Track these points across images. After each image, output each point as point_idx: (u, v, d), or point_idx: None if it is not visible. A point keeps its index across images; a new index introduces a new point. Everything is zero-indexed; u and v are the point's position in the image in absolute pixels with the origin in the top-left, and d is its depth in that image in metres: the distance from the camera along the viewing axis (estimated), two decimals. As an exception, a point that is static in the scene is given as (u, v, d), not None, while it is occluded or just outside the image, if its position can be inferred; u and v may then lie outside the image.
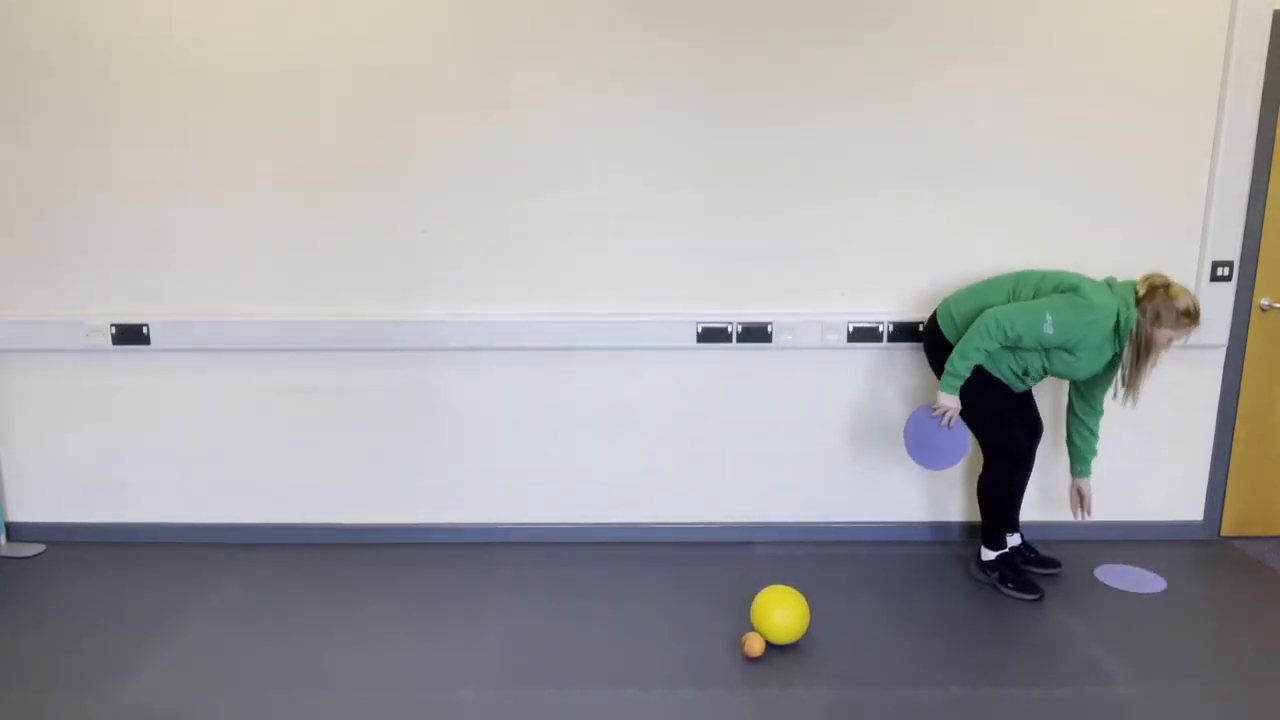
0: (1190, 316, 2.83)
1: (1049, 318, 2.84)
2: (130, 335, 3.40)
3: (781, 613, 2.76)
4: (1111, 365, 2.98)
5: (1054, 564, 3.34)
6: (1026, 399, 3.28)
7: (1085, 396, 3.14)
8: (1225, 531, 3.67)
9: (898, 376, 3.48)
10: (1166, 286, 2.85)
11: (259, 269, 3.39)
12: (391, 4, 3.19)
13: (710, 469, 3.56)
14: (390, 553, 3.50)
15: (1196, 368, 3.50)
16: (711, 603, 3.09)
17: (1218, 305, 3.42)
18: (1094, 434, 3.18)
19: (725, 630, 2.91)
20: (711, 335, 3.40)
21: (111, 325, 3.39)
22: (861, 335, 3.41)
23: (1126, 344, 2.88)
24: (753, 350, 3.44)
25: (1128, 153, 3.32)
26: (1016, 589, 3.15)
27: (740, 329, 3.40)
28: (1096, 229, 3.37)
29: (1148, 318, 2.83)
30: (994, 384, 3.06)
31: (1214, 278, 3.40)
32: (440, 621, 2.98)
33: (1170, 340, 2.86)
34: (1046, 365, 2.99)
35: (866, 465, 3.56)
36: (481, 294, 3.40)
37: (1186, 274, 3.43)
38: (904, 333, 3.40)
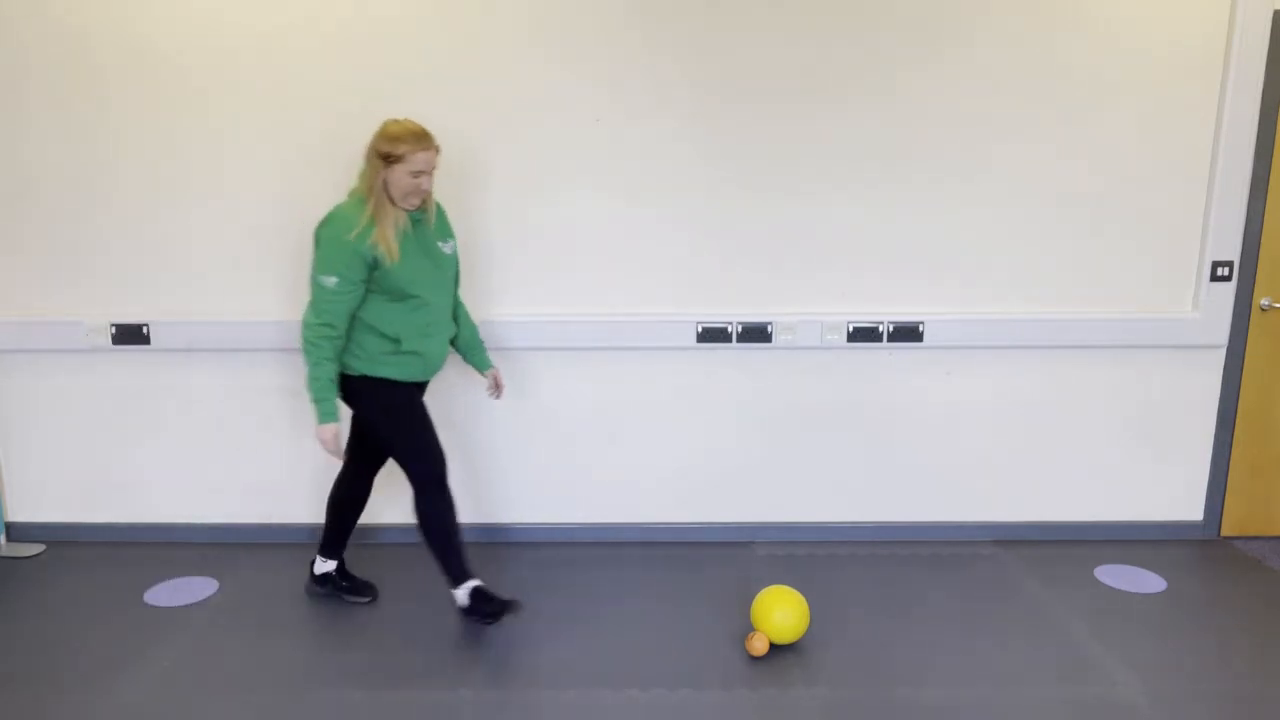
0: (409, 138, 2.60)
1: (321, 277, 2.62)
2: (130, 335, 3.40)
3: (782, 613, 2.76)
4: (426, 240, 2.76)
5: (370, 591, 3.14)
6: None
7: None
8: (1225, 531, 3.67)
9: (898, 376, 3.48)
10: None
11: (259, 269, 3.39)
12: (391, 7, 3.19)
13: (710, 469, 3.56)
14: (390, 552, 3.50)
15: (1196, 368, 3.50)
16: (712, 603, 3.09)
17: (1218, 305, 3.42)
18: (469, 329, 3.05)
19: (725, 630, 2.91)
20: (711, 335, 3.40)
21: (111, 325, 3.39)
22: (861, 335, 3.41)
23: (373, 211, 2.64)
24: (753, 350, 3.44)
25: (1127, 152, 3.32)
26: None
27: (740, 329, 3.40)
28: (1096, 229, 3.38)
29: (371, 168, 2.64)
30: (384, 389, 2.78)
31: (1214, 278, 3.40)
32: (439, 621, 2.98)
33: (426, 165, 2.63)
34: (399, 305, 2.71)
35: (867, 465, 3.56)
36: (481, 294, 3.40)
37: (1186, 274, 3.43)
38: (904, 333, 3.40)
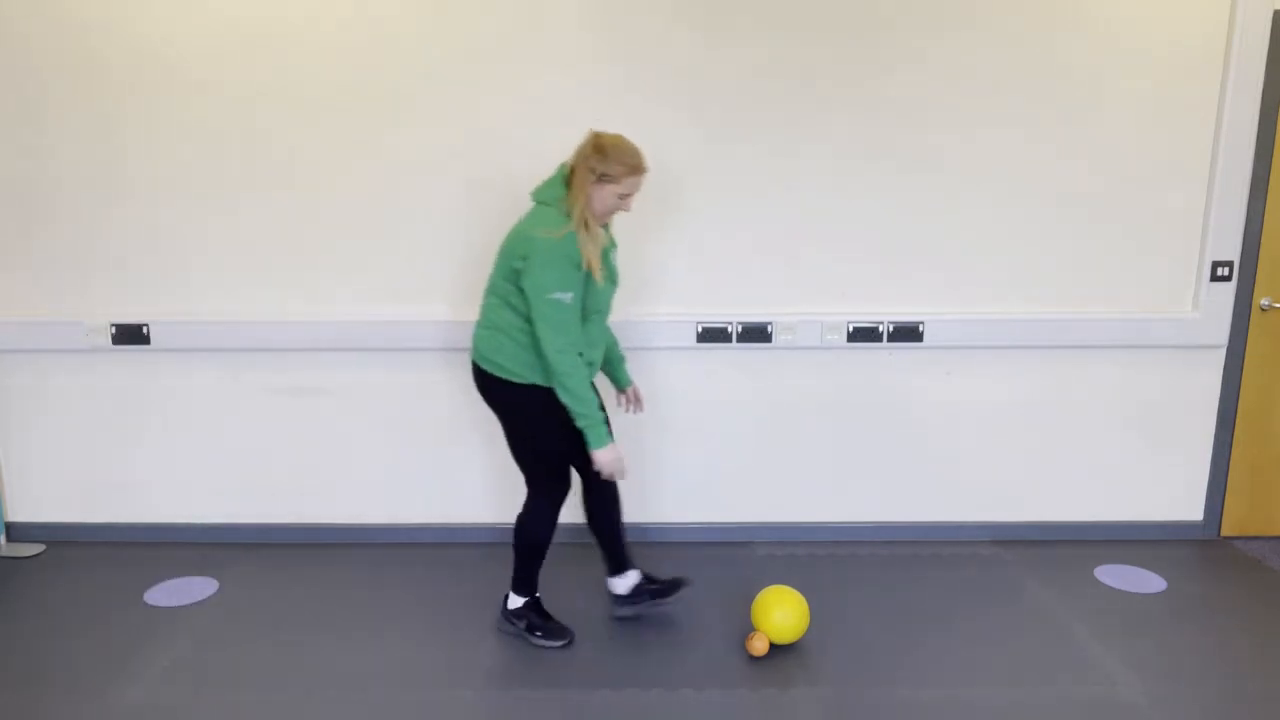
0: (636, 165, 2.56)
1: (557, 295, 2.52)
2: (130, 335, 3.40)
3: (782, 613, 2.76)
4: (608, 256, 2.69)
5: (678, 585, 2.99)
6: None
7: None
8: (1225, 531, 3.67)
9: (898, 376, 3.48)
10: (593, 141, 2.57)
11: (259, 269, 3.39)
12: (394, 7, 3.19)
13: (710, 469, 3.55)
14: (390, 552, 3.50)
15: (1196, 368, 3.50)
16: (711, 603, 3.09)
17: (1218, 305, 3.42)
18: (614, 345, 2.93)
19: (725, 630, 2.91)
20: (711, 335, 3.39)
21: (111, 325, 3.39)
22: (861, 335, 3.41)
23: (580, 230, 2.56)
24: (753, 350, 3.44)
25: (1127, 152, 3.32)
26: (545, 637, 2.84)
27: (740, 329, 3.40)
28: (1096, 229, 3.38)
29: (579, 183, 2.55)
30: (539, 401, 2.65)
31: (1214, 278, 3.40)
32: (440, 621, 2.98)
33: (625, 196, 2.59)
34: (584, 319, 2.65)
35: (867, 465, 3.56)
36: (481, 294, 3.40)
37: (1186, 274, 3.43)
38: (904, 333, 3.40)
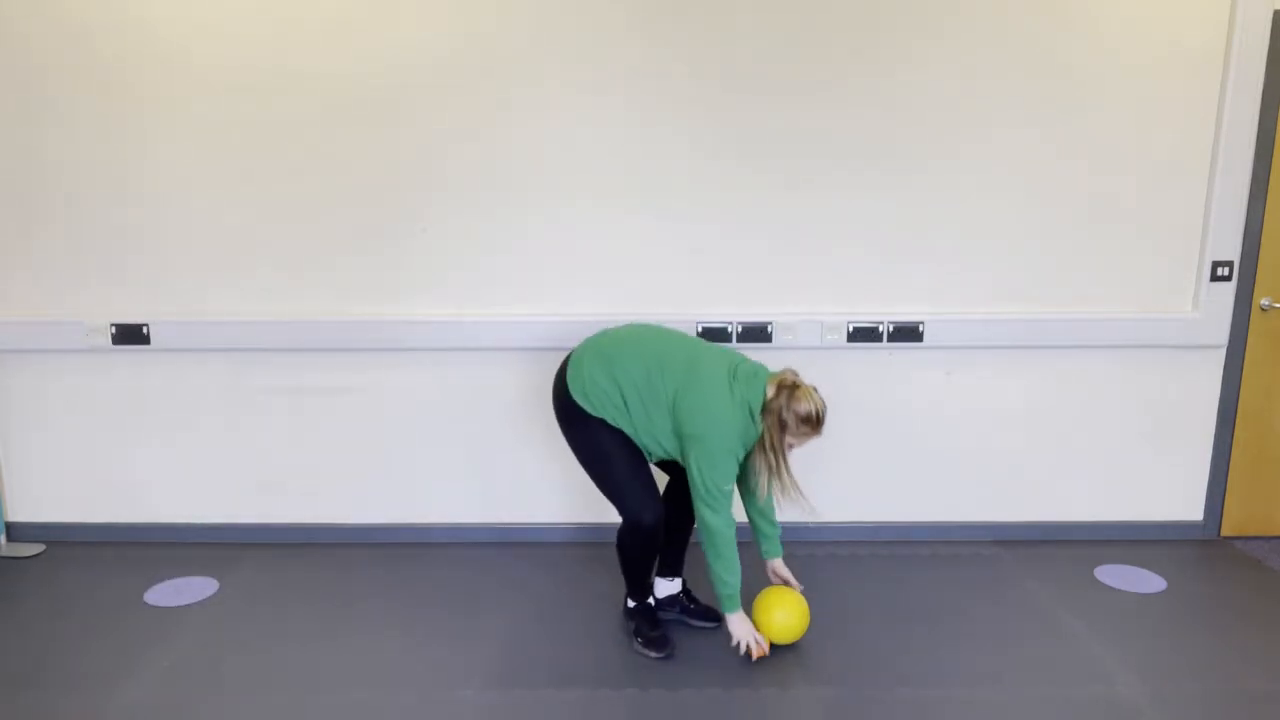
0: (811, 423, 2.57)
1: (721, 463, 2.56)
2: (130, 335, 3.40)
3: (782, 613, 2.76)
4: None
5: (712, 617, 2.96)
6: (669, 467, 2.89)
7: (746, 484, 2.81)
8: (1225, 531, 3.67)
9: (898, 376, 3.48)
10: (794, 388, 2.58)
11: (259, 269, 3.39)
12: (391, 10, 3.19)
13: (710, 469, 3.55)
14: (390, 552, 3.50)
15: (1196, 368, 3.50)
16: (711, 603, 3.08)
17: (1218, 305, 3.42)
18: (763, 516, 2.89)
19: (724, 630, 2.91)
20: (711, 335, 3.39)
21: (111, 325, 3.39)
22: (861, 335, 3.41)
23: (755, 450, 2.62)
24: (752, 350, 3.44)
25: (1128, 152, 3.32)
26: (645, 645, 2.80)
27: (740, 329, 3.39)
28: (1096, 229, 3.38)
29: (771, 423, 2.56)
30: (602, 427, 2.67)
31: (1214, 278, 3.40)
32: (440, 621, 2.98)
33: (791, 445, 2.60)
34: (670, 448, 2.68)
35: (867, 465, 3.56)
36: (482, 294, 3.40)
37: (1186, 274, 3.43)
38: (904, 333, 3.40)
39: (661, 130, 3.27)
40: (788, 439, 2.59)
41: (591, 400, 2.65)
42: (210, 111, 3.27)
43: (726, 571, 2.66)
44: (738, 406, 2.57)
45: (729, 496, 2.61)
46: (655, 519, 2.68)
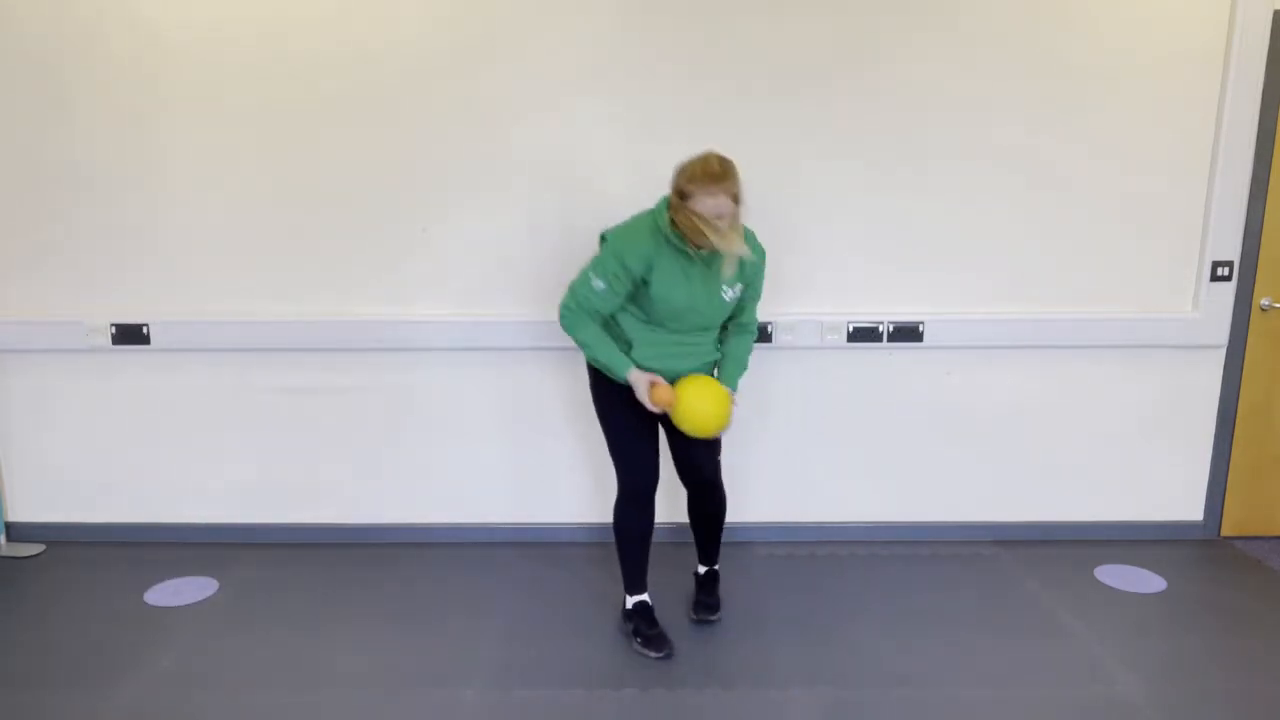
0: (699, 176, 2.47)
1: (592, 278, 2.59)
2: (130, 335, 3.40)
3: (699, 399, 2.61)
4: (710, 280, 2.64)
5: (712, 608, 2.98)
6: (672, 432, 2.81)
7: (733, 316, 2.80)
8: (1225, 531, 3.67)
9: (897, 376, 3.48)
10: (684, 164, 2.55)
11: (259, 269, 3.39)
12: (394, 11, 3.19)
13: (710, 469, 3.55)
14: (390, 552, 3.50)
15: (1196, 368, 3.50)
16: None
17: (1218, 305, 3.42)
18: (737, 333, 2.83)
19: (724, 630, 2.91)
20: (711, 335, 3.39)
21: (111, 325, 3.39)
22: (861, 335, 3.41)
23: (686, 244, 2.56)
24: (753, 350, 3.44)
25: (1128, 152, 3.32)
26: (644, 645, 2.78)
27: (740, 329, 3.39)
28: (1096, 229, 3.38)
29: (675, 208, 2.52)
30: (603, 382, 2.73)
31: (1214, 278, 3.40)
32: (440, 621, 2.98)
33: (704, 213, 2.46)
34: (643, 317, 2.66)
35: (866, 465, 3.56)
36: (482, 294, 3.40)
37: (1186, 274, 3.43)
38: (904, 333, 3.40)
39: (661, 130, 3.27)
40: (695, 206, 2.47)
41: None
42: (212, 112, 3.27)
43: (602, 357, 2.64)
44: (644, 216, 2.65)
45: (581, 311, 2.62)
46: (641, 486, 2.69)
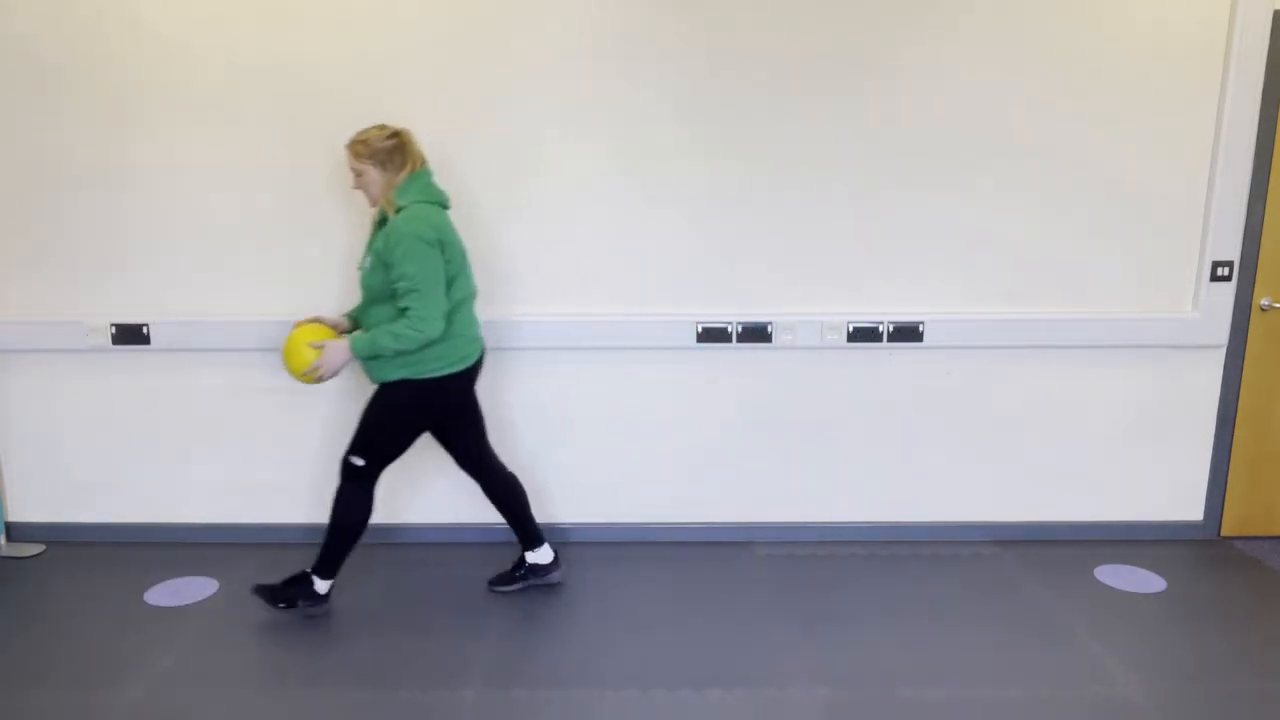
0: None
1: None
2: (130, 335, 3.40)
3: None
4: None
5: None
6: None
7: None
8: (1225, 531, 3.67)
9: (898, 376, 3.48)
10: None
11: (259, 269, 3.39)
12: (390, 7, 3.19)
13: (710, 469, 3.55)
14: (390, 552, 3.50)
15: (1196, 368, 3.50)
16: (711, 602, 3.09)
17: (1218, 305, 3.42)
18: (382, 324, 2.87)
19: (725, 630, 2.91)
20: (711, 335, 3.39)
21: (111, 325, 3.39)
22: (861, 335, 3.41)
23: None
24: (753, 350, 3.44)
25: (1128, 152, 3.32)
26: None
27: (740, 329, 3.40)
28: (1096, 229, 3.38)
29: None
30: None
31: (1214, 278, 3.40)
32: (440, 621, 2.98)
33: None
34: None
35: (866, 465, 3.56)
36: (481, 294, 3.40)
37: (1186, 274, 3.43)
38: (904, 333, 3.40)
39: (663, 131, 3.27)
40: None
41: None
42: (213, 111, 3.27)
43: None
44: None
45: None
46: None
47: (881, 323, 3.41)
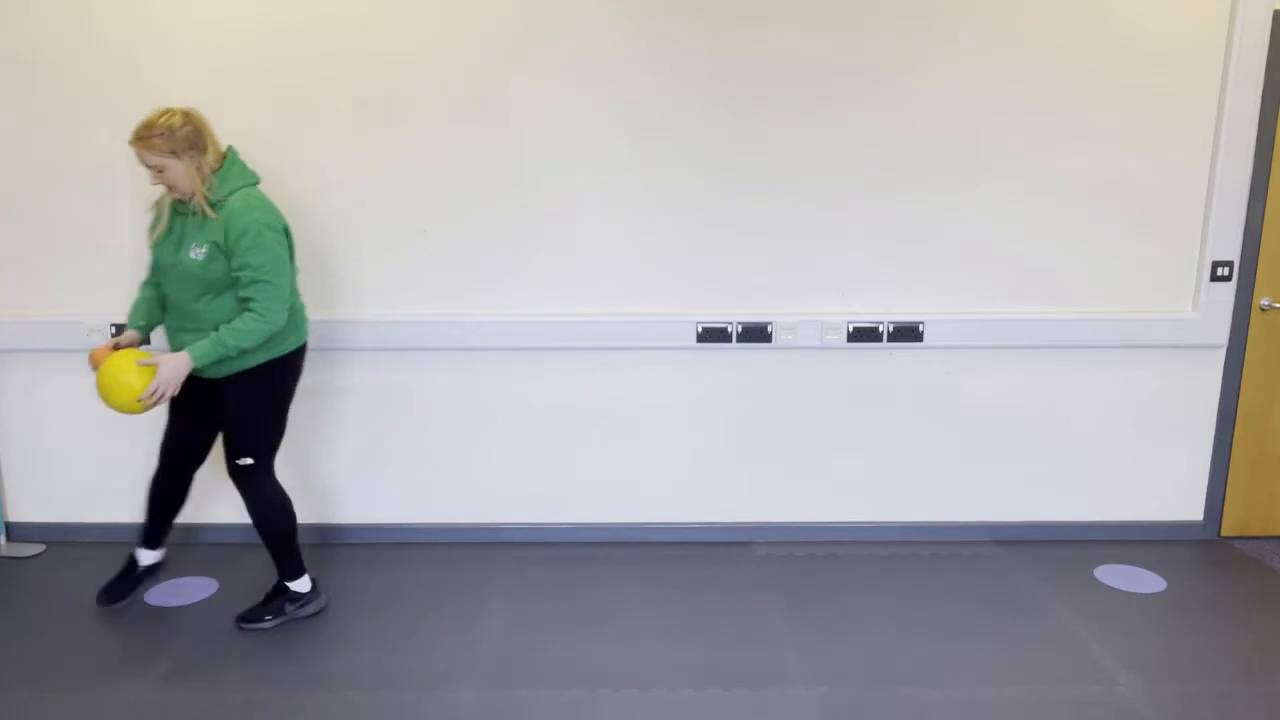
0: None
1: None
2: (130, 335, 3.40)
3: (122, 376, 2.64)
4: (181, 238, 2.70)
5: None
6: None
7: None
8: (1225, 531, 3.67)
9: (898, 376, 3.48)
10: None
11: (259, 269, 3.39)
12: (390, 9, 3.19)
13: (710, 469, 3.55)
14: (390, 552, 3.50)
15: (1196, 367, 3.50)
16: (711, 603, 3.09)
17: (1218, 305, 3.42)
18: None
19: (725, 630, 2.91)
20: (711, 335, 3.40)
21: (111, 325, 3.39)
22: (861, 335, 3.41)
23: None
24: (753, 350, 3.44)
25: (1128, 152, 3.32)
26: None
27: (740, 329, 3.40)
28: (1096, 229, 3.38)
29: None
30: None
31: (1214, 278, 3.40)
32: (440, 621, 2.98)
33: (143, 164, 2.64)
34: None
35: (867, 465, 3.56)
36: (481, 294, 3.40)
37: (1186, 274, 3.43)
38: (904, 333, 3.40)
39: (664, 132, 3.27)
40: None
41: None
42: (213, 110, 3.25)
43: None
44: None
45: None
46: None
47: (881, 323, 3.41)
